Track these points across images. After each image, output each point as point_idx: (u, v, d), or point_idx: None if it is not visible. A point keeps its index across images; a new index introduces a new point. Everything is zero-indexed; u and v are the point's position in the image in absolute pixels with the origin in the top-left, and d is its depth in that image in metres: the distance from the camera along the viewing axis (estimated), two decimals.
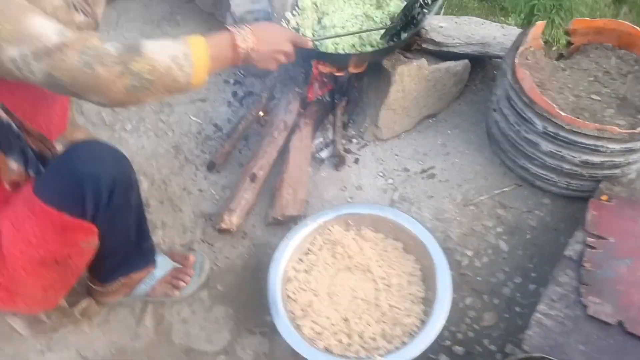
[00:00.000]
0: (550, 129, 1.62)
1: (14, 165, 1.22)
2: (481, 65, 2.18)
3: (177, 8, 2.63)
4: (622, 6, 2.68)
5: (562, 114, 1.58)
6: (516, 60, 1.72)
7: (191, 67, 1.11)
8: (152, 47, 1.08)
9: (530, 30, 1.81)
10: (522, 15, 2.46)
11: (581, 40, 1.92)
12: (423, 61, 1.92)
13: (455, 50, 2.00)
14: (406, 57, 1.93)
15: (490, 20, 2.20)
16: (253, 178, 1.84)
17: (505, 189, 1.86)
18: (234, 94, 2.26)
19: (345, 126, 2.07)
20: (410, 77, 1.91)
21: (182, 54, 1.10)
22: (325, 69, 1.93)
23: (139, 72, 1.05)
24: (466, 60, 2.03)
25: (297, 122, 1.99)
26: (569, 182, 1.73)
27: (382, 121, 1.97)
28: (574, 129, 1.59)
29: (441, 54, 2.01)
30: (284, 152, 1.93)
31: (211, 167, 1.99)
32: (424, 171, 1.95)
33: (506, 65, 1.79)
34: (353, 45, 1.88)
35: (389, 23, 1.91)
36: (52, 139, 1.43)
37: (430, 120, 2.11)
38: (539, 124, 1.64)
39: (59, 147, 1.45)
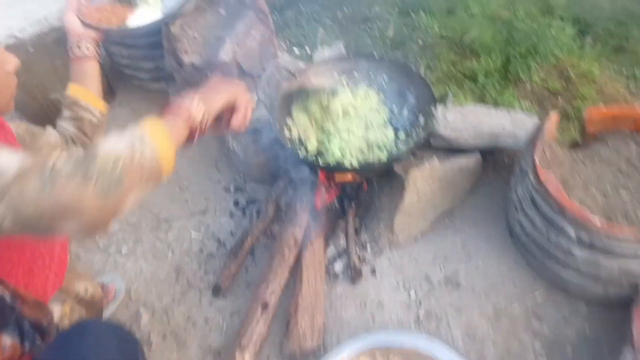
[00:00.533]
0: (584, 236, 1.51)
1: (7, 340, 1.09)
2: (492, 155, 2.09)
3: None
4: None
5: (597, 221, 1.47)
6: (537, 161, 1.63)
7: (152, 147, 0.96)
8: (107, 143, 0.93)
9: (545, 125, 1.72)
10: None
11: (597, 128, 1.83)
12: (435, 162, 1.83)
13: (466, 144, 1.92)
14: (416, 156, 1.84)
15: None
16: (265, 306, 1.69)
17: (537, 299, 1.72)
18: (236, 202, 2.15)
19: (357, 232, 1.95)
20: (423, 179, 1.81)
21: (139, 138, 0.96)
22: (334, 177, 1.84)
23: (101, 171, 0.89)
24: (477, 155, 1.95)
25: (307, 234, 1.86)
26: (607, 290, 1.60)
27: (397, 226, 1.86)
28: (610, 236, 1.47)
29: (451, 148, 1.92)
30: (295, 269, 1.80)
31: (216, 291, 1.85)
32: (447, 279, 1.82)
33: (526, 164, 1.69)
34: (361, 150, 1.78)
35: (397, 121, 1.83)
36: (49, 298, 1.31)
37: (447, 219, 1.99)
38: (571, 231, 1.53)
39: (56, 307, 1.34)
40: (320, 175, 1.91)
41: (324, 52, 2.31)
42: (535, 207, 1.63)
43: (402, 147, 1.78)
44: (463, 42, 2.64)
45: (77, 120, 1.39)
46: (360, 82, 2.02)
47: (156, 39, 2.25)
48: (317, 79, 2.01)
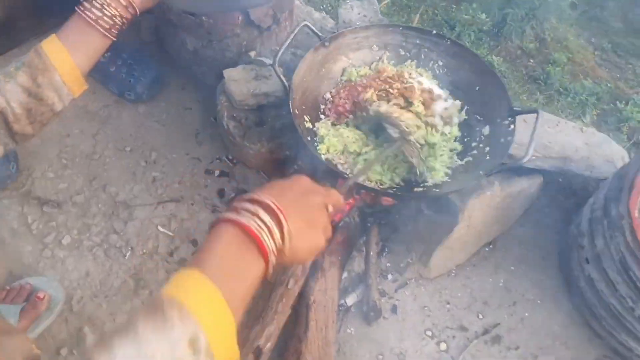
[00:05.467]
0: None
1: None
2: (549, 177, 1.76)
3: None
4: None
5: None
6: (635, 214, 1.31)
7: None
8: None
9: None
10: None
11: None
12: (496, 188, 1.47)
13: (530, 165, 1.57)
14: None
15: None
16: (258, 354, 1.32)
17: None
18: (220, 192, 1.72)
19: (378, 256, 1.59)
20: (480, 209, 1.46)
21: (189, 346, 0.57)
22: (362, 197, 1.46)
23: None
24: (541, 178, 1.61)
25: (318, 258, 1.48)
26: None
27: (434, 261, 1.52)
28: None
29: (509, 170, 1.57)
30: (300, 304, 1.43)
31: None
32: (486, 331, 1.51)
33: (617, 214, 1.37)
34: (408, 169, 1.39)
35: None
36: None
37: (487, 249, 1.67)
38: None
39: None
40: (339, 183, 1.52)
41: (352, 9, 1.84)
42: (623, 271, 1.33)
43: (465, 176, 1.39)
44: None
45: (33, 95, 0.93)
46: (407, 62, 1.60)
47: None
48: (353, 54, 1.57)
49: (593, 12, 2.74)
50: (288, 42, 1.43)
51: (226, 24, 1.61)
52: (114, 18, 0.99)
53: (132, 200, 1.69)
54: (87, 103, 1.87)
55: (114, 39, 1.02)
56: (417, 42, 1.60)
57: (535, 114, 1.36)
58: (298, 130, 1.36)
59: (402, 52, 1.61)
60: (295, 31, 1.45)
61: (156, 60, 1.92)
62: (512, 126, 1.40)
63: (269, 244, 0.67)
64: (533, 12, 2.46)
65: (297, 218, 0.71)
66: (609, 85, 2.35)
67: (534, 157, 1.58)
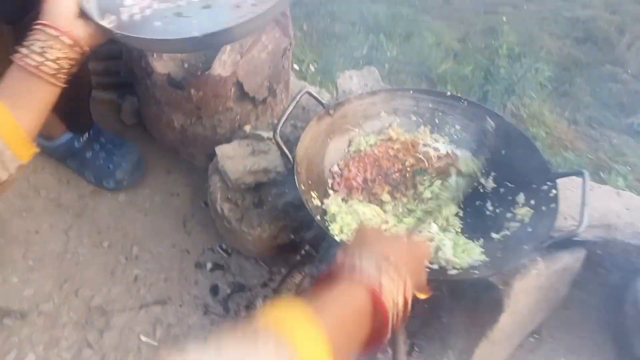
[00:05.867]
0: None
1: None
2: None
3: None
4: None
5: None
6: None
7: None
8: None
9: None
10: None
11: None
12: (541, 266, 1.26)
13: (572, 237, 1.37)
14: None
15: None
16: None
17: None
18: (214, 289, 1.47)
19: (408, 355, 1.33)
20: (525, 292, 1.23)
21: None
22: None
23: None
24: (584, 251, 1.40)
25: None
26: None
27: (476, 358, 1.26)
28: None
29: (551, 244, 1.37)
30: None
31: None
32: None
33: None
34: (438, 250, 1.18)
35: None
36: None
37: (532, 340, 1.43)
38: None
39: None
40: None
41: (351, 79, 1.71)
42: None
43: (505, 253, 1.19)
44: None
45: None
46: (421, 128, 1.45)
47: None
48: (360, 122, 1.41)
49: (563, 88, 2.82)
50: (290, 109, 1.26)
51: (218, 97, 1.45)
52: (59, 61, 0.85)
53: (110, 305, 1.43)
54: (59, 195, 1.65)
55: (64, 85, 0.88)
56: (430, 105, 1.45)
57: (580, 177, 1.19)
58: (307, 207, 1.15)
59: (414, 118, 1.45)
60: (298, 98, 1.29)
61: (139, 143, 1.74)
62: (553, 191, 1.22)
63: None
64: (513, 87, 2.55)
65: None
66: (589, 156, 2.35)
67: (573, 227, 1.39)
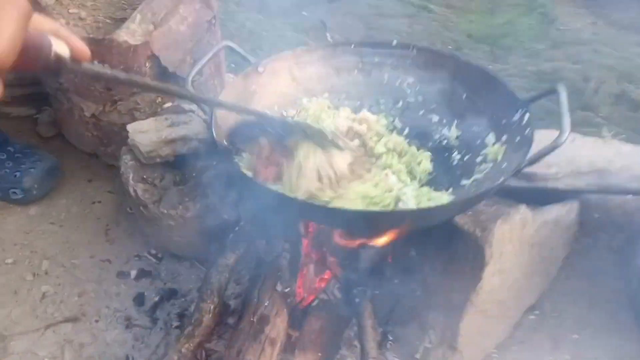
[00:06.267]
0: None
1: None
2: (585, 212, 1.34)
3: None
4: None
5: None
6: None
7: None
8: None
9: None
10: None
11: None
12: (525, 211, 1.03)
13: (558, 185, 1.16)
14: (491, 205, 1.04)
15: None
16: None
17: None
18: (139, 298, 1.20)
19: (380, 346, 1.06)
20: (511, 243, 1.00)
21: None
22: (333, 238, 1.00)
23: None
24: (576, 203, 1.18)
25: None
26: None
27: (463, 335, 1.00)
28: None
29: (533, 194, 1.15)
30: None
31: None
32: None
33: None
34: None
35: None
36: None
37: (533, 317, 1.17)
38: None
39: None
40: (304, 236, 1.06)
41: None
42: None
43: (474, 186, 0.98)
44: None
45: None
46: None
47: None
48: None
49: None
50: (205, 60, 1.06)
51: (128, 71, 1.25)
52: None
53: (10, 328, 1.15)
54: None
55: None
56: (377, 60, 1.27)
57: (555, 95, 0.99)
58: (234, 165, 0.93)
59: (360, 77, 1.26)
60: (215, 50, 1.10)
61: (57, 154, 1.52)
62: (526, 116, 1.01)
63: None
64: None
65: None
66: None
67: (560, 175, 1.18)
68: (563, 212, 1.13)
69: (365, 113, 1.15)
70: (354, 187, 0.96)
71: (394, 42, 1.27)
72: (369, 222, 0.89)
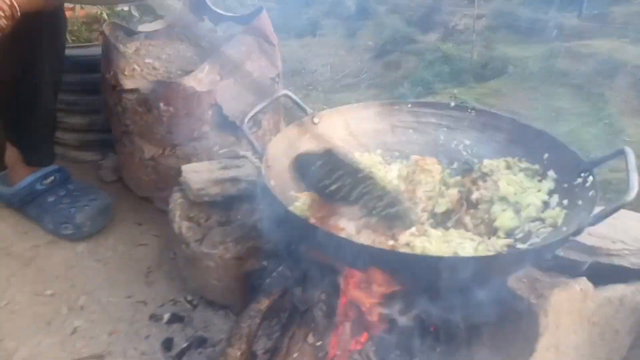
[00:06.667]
0: None
1: None
2: None
3: None
4: None
5: None
6: None
7: None
8: None
9: None
10: None
11: None
12: (586, 282, 0.95)
13: (623, 263, 1.07)
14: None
15: None
16: None
17: None
18: (167, 343, 1.16)
19: None
20: (570, 316, 0.91)
21: None
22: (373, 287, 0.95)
23: None
24: None
25: None
26: None
27: None
28: None
29: (595, 269, 1.06)
30: None
31: None
32: None
33: None
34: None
35: None
36: None
37: None
38: None
39: None
40: (343, 284, 1.01)
41: None
42: None
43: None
44: None
45: None
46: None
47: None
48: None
49: None
50: (263, 104, 1.09)
51: (191, 117, 1.30)
52: None
53: (35, 358, 1.13)
54: (11, 244, 1.45)
55: None
56: (433, 120, 1.26)
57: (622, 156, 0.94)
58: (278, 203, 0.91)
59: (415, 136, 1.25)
60: (274, 97, 1.13)
61: (114, 196, 1.57)
62: (590, 178, 0.96)
63: None
64: None
65: None
66: None
67: (626, 252, 1.08)
68: (629, 292, 1.03)
69: (428, 158, 1.12)
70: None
71: (452, 104, 1.27)
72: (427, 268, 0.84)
